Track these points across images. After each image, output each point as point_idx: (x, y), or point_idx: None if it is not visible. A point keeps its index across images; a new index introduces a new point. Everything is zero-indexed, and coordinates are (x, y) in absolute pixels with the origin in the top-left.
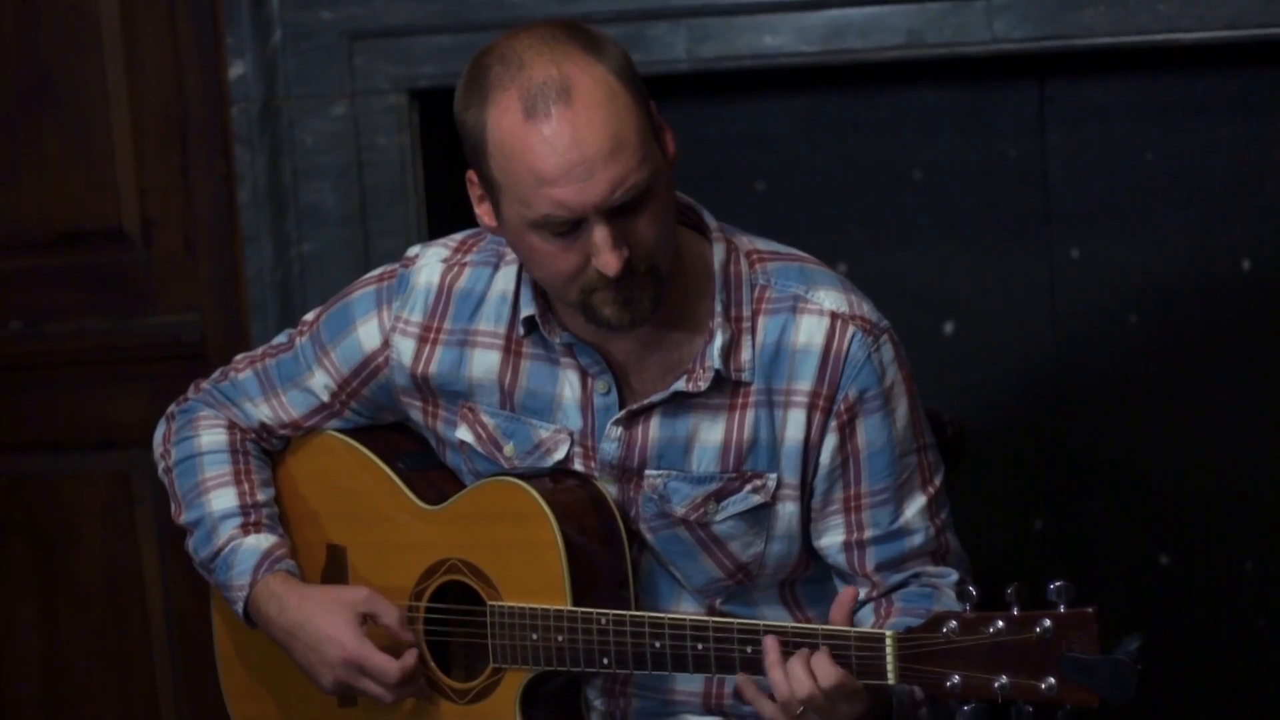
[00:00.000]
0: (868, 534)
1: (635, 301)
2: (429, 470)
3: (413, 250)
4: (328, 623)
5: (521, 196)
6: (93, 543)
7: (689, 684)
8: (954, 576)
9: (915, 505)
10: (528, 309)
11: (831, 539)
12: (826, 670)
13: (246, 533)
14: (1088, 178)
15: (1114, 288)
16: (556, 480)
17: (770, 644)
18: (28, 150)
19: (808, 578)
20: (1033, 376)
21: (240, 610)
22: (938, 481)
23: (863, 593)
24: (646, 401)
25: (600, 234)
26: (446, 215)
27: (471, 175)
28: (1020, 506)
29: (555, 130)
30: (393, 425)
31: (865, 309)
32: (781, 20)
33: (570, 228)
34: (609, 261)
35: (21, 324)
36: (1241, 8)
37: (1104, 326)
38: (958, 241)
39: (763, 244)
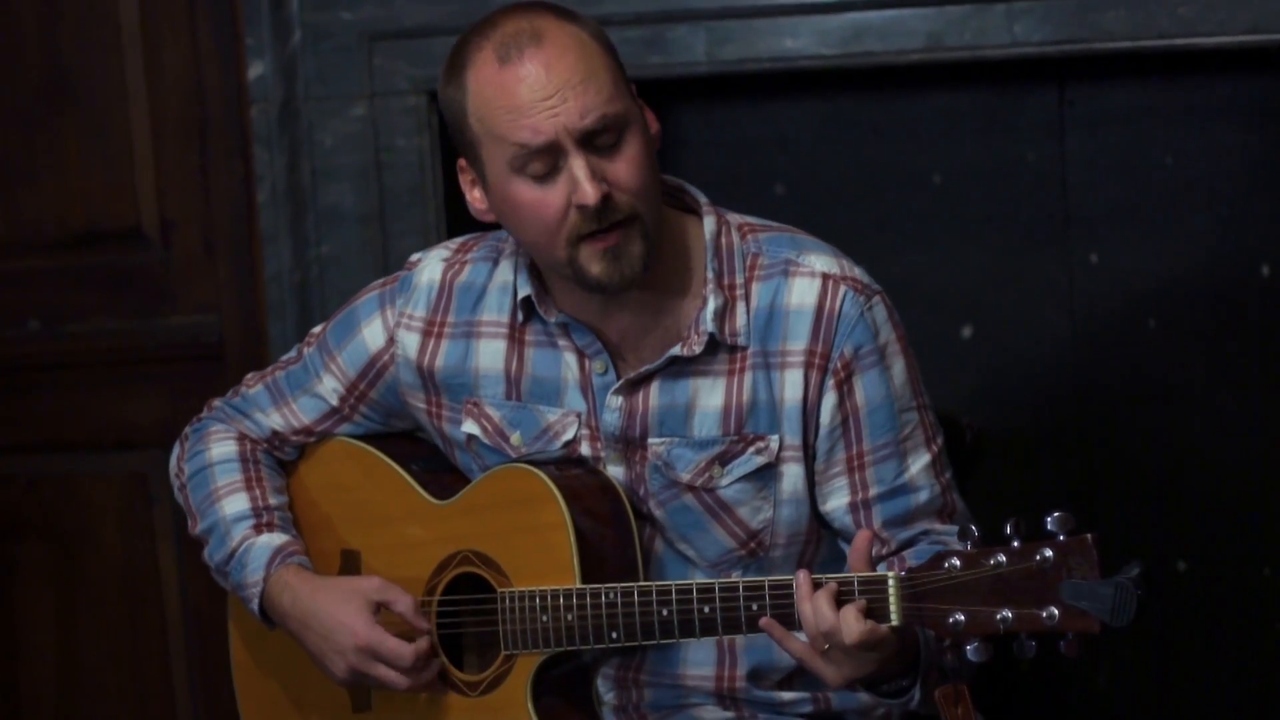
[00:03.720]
0: (872, 491)
1: (622, 255)
2: (442, 472)
3: (415, 256)
4: (340, 610)
5: (498, 135)
6: (110, 543)
7: (700, 668)
8: None
9: (920, 462)
10: (524, 290)
11: (837, 501)
12: (850, 622)
13: (259, 532)
14: (1107, 182)
15: (1133, 292)
16: (563, 466)
17: (802, 578)
18: (46, 150)
19: (823, 558)
20: (1051, 381)
21: (255, 608)
22: (940, 441)
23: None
24: (644, 370)
25: (578, 164)
26: (465, 216)
27: (461, 162)
28: (1038, 511)
29: (528, 68)
30: (406, 433)
31: (857, 272)
32: (801, 23)
33: (549, 168)
34: (587, 191)
35: (40, 324)
36: (1263, 12)
37: (1123, 331)
38: (976, 245)
39: (754, 219)
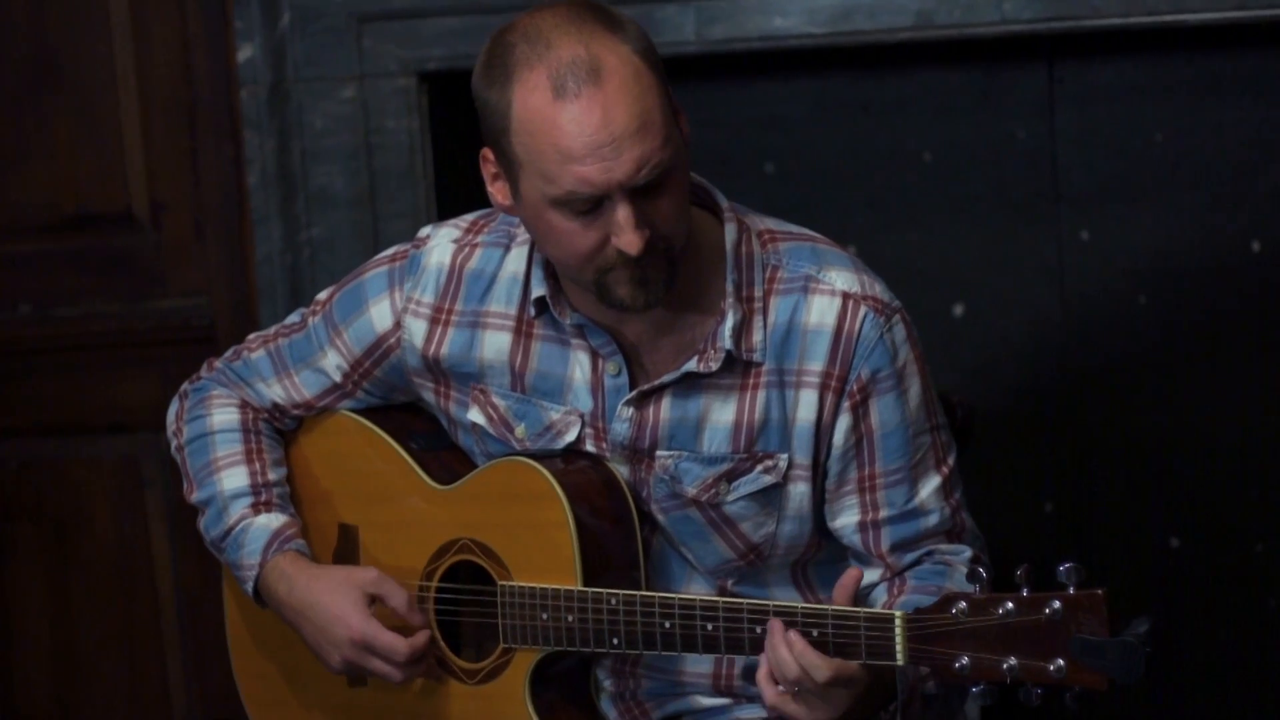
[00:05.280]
0: (883, 514)
1: (650, 282)
2: (441, 450)
3: (424, 231)
4: (335, 603)
5: (545, 173)
6: (102, 527)
7: (698, 665)
8: (968, 553)
9: (930, 485)
10: (539, 290)
11: (847, 520)
12: (813, 661)
13: (257, 512)
14: (1097, 159)
15: (1123, 269)
16: (568, 461)
17: (775, 626)
18: (36, 133)
19: (820, 559)
20: (1042, 358)
21: (250, 590)
22: (951, 461)
23: (876, 574)
24: (658, 382)
25: (623, 213)
26: (456, 198)
27: (487, 153)
28: (1030, 488)
29: (585, 109)
30: (405, 405)
31: (877, 289)
32: (791, 2)
33: (592, 206)
34: (631, 241)
35: (30, 308)
36: None
37: (1113, 308)
38: (967, 223)
39: (774, 224)
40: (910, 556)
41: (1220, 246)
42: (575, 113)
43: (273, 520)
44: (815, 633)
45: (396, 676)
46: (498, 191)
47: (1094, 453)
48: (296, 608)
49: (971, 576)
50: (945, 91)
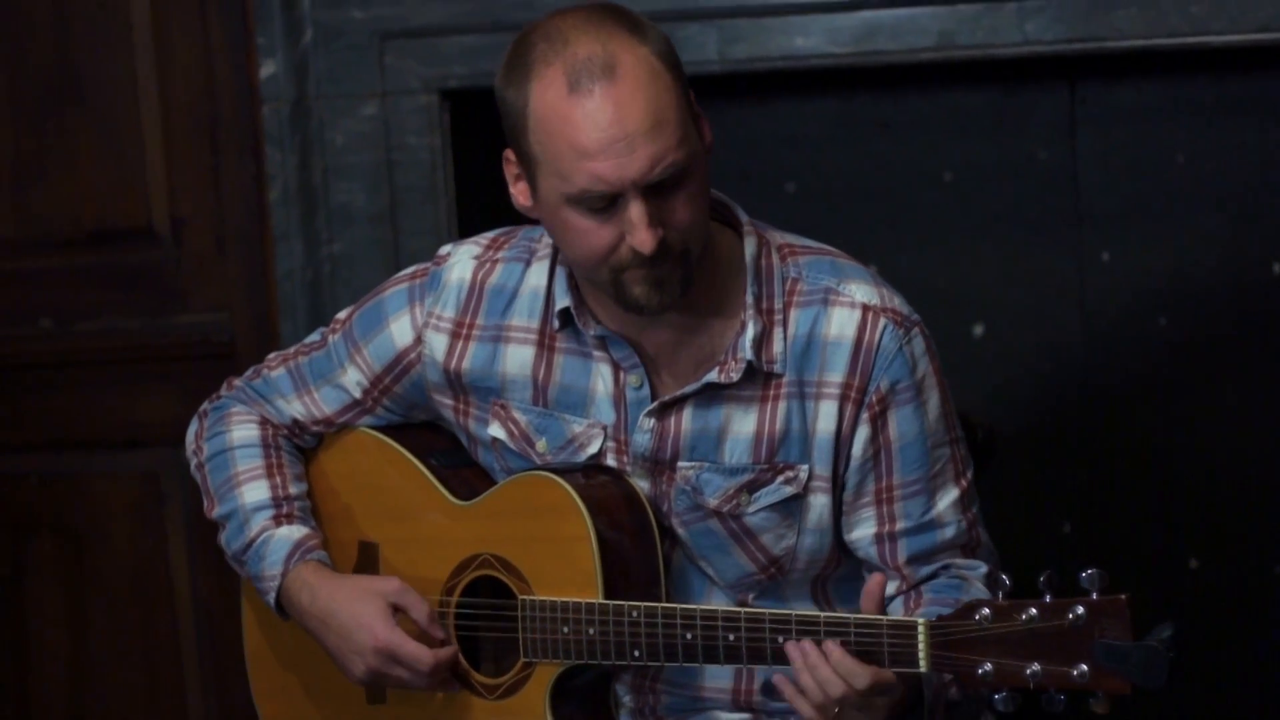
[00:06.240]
0: (899, 526)
1: (665, 282)
2: (461, 468)
3: (444, 249)
4: (359, 611)
5: (560, 170)
6: (121, 542)
7: (718, 680)
8: (983, 569)
9: (948, 498)
10: (563, 301)
11: (863, 531)
12: (853, 668)
13: (279, 524)
14: (1118, 180)
15: (1144, 290)
16: (589, 475)
17: (793, 651)
18: (58, 148)
19: (839, 575)
20: (1062, 379)
21: (272, 601)
22: (969, 475)
23: (893, 586)
24: (679, 393)
25: (636, 211)
26: (477, 215)
27: (509, 154)
28: (1049, 509)
29: (598, 105)
30: (425, 423)
31: (896, 302)
32: (813, 22)
33: (607, 204)
34: (644, 239)
35: (51, 323)
36: (1274, 10)
37: (1134, 329)
38: (988, 243)
39: (794, 239)
40: (926, 570)
41: (1241, 268)
42: (590, 108)
43: (294, 532)
44: (838, 641)
45: (420, 685)
46: (519, 193)
47: (1113, 473)
48: (319, 617)
49: (994, 584)
50: (966, 111)
